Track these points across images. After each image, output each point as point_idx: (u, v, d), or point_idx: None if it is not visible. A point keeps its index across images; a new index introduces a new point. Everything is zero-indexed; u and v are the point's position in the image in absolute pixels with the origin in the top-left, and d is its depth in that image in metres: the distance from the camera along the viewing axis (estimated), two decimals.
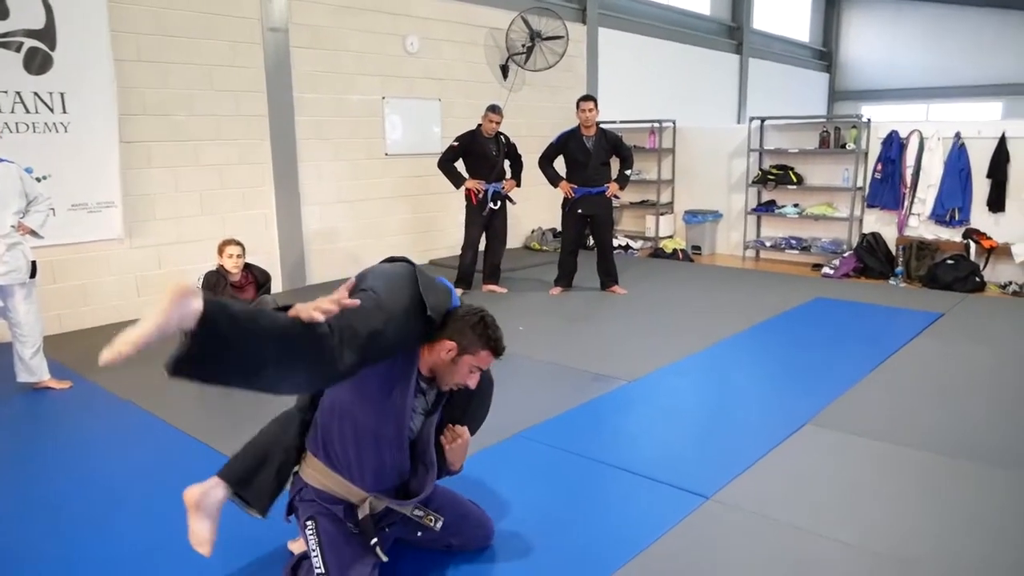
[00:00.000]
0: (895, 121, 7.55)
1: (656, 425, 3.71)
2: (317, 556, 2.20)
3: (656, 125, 8.82)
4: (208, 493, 2.28)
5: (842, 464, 3.21)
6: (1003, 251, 6.75)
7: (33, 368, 4.16)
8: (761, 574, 2.42)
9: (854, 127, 7.58)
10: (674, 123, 8.86)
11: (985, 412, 3.75)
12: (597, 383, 4.23)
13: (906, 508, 2.83)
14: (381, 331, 1.98)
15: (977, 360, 4.58)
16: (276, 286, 5.92)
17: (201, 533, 2.24)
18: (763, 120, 8.27)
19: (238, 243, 4.67)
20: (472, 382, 2.25)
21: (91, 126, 5.43)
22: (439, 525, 2.35)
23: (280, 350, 1.80)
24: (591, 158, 6.30)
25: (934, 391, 4.05)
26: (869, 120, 7.53)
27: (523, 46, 8.31)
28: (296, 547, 2.49)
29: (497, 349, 2.23)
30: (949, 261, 6.72)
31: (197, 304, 1.68)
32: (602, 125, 6.49)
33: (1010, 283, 6.57)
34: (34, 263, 4.04)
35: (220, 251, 4.65)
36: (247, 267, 4.76)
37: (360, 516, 2.25)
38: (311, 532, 2.24)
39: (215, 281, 4.62)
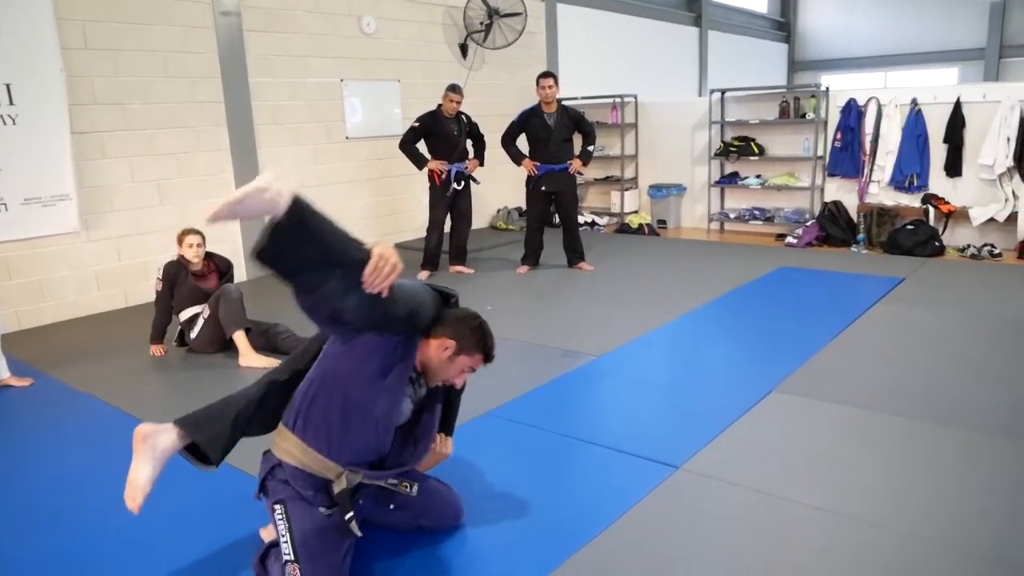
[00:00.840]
0: (853, 89, 7.63)
1: (625, 398, 3.74)
2: (286, 541, 2.18)
3: (618, 100, 8.81)
4: (159, 432, 2.26)
5: (809, 429, 3.26)
6: (961, 215, 6.88)
7: None
8: (735, 540, 2.45)
9: (813, 96, 7.64)
10: (635, 98, 8.86)
11: (947, 374, 3.83)
12: (566, 359, 4.25)
13: (874, 470, 2.88)
14: (422, 302, 2.20)
15: (937, 323, 4.67)
16: (239, 275, 5.83)
17: (138, 478, 2.18)
18: (723, 92, 8.31)
19: (198, 232, 4.59)
20: (460, 381, 2.32)
21: (40, 117, 5.27)
22: (415, 490, 2.37)
23: (349, 263, 1.92)
24: (553, 135, 6.28)
25: (896, 355, 4.13)
26: (827, 89, 7.59)
27: (481, 24, 8.23)
28: (267, 534, 2.47)
29: (490, 355, 2.31)
30: (909, 226, 6.83)
31: (289, 188, 1.86)
32: (563, 102, 6.47)
33: (968, 246, 6.71)
34: None
35: (180, 241, 4.56)
36: (208, 256, 4.68)
37: (336, 491, 2.22)
38: (280, 516, 2.21)
39: (175, 271, 4.54)
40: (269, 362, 4.31)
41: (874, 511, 2.58)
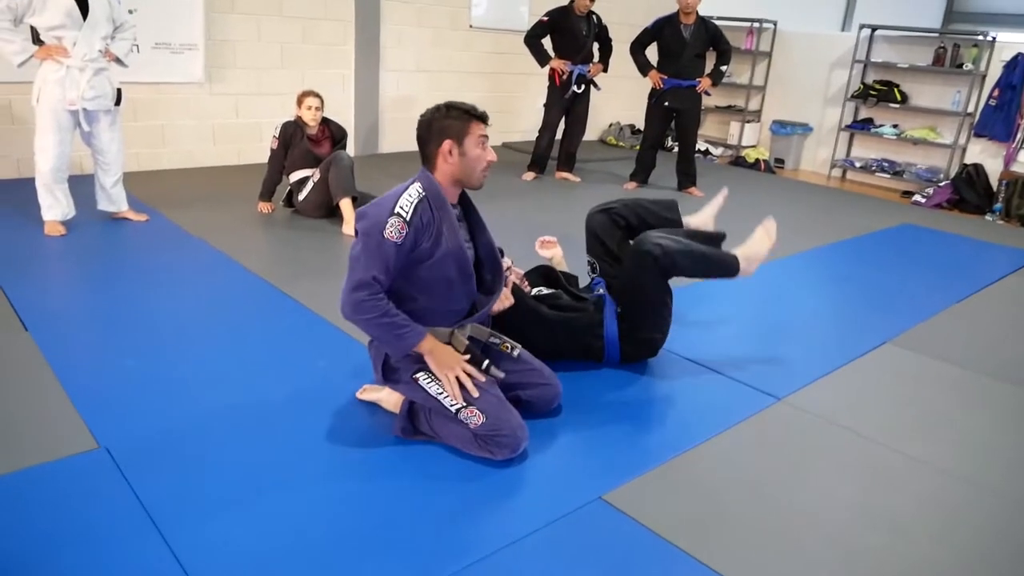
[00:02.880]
0: None
1: (728, 326, 3.59)
2: (448, 396, 2.21)
3: (756, 24, 8.27)
4: None
5: (917, 384, 3.07)
6: None
7: (114, 197, 4.22)
8: (826, 474, 2.34)
9: (975, 46, 6.97)
10: (775, 24, 8.29)
11: None
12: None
13: (979, 433, 2.70)
14: None
15: None
16: (350, 149, 5.85)
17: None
18: (873, 29, 7.67)
19: (317, 95, 4.56)
20: (492, 155, 2.27)
21: None
22: (516, 352, 2.38)
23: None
24: (686, 48, 5.95)
25: (1021, 328, 3.83)
26: (994, 39, 6.90)
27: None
28: (368, 395, 2.50)
29: (477, 114, 2.24)
30: None
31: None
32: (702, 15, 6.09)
33: None
34: (119, 91, 4.02)
35: (299, 102, 4.56)
36: (324, 121, 4.67)
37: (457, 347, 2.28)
38: (428, 379, 2.24)
39: (292, 131, 4.56)
40: None
41: (973, 471, 2.43)
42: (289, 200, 4.76)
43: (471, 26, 7.15)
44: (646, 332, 2.86)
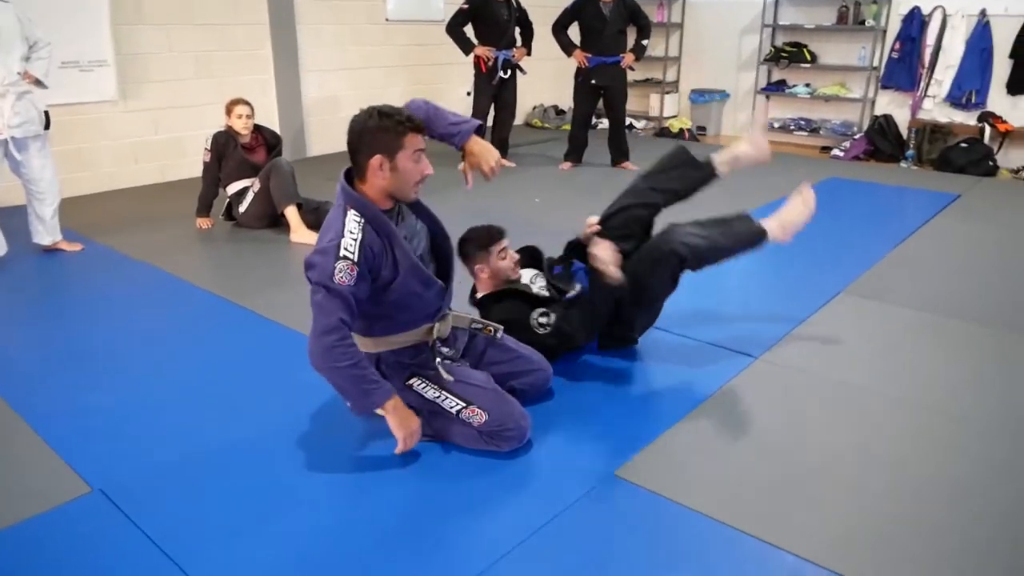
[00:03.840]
0: None
1: (693, 294, 3.66)
2: (446, 397, 2.22)
3: None
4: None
5: (881, 329, 3.22)
6: (1018, 135, 6.65)
7: (51, 228, 4.01)
8: (821, 424, 2.44)
9: (875, 2, 7.27)
10: None
11: (1009, 284, 3.78)
12: None
13: (948, 369, 2.86)
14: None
15: (996, 239, 4.57)
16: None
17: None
18: None
19: (247, 103, 4.43)
20: (428, 168, 2.10)
21: None
22: (500, 335, 2.42)
23: None
24: (607, 25, 6.01)
25: (958, 267, 4.06)
26: None
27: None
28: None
29: (412, 125, 2.04)
30: (963, 145, 6.63)
31: None
32: None
33: (1023, 168, 6.53)
34: (47, 113, 3.81)
35: (228, 111, 4.41)
36: (257, 128, 4.54)
37: (436, 336, 2.27)
38: (422, 384, 2.24)
39: (224, 142, 4.41)
40: None
41: (953, 405, 2.58)
42: (229, 213, 4.61)
43: (387, 20, 7.04)
44: (624, 330, 2.85)
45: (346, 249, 2.00)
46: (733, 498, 2.04)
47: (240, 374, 2.75)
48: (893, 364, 2.88)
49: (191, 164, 4.51)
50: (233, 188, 4.49)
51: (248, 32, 6.05)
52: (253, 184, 4.41)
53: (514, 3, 6.08)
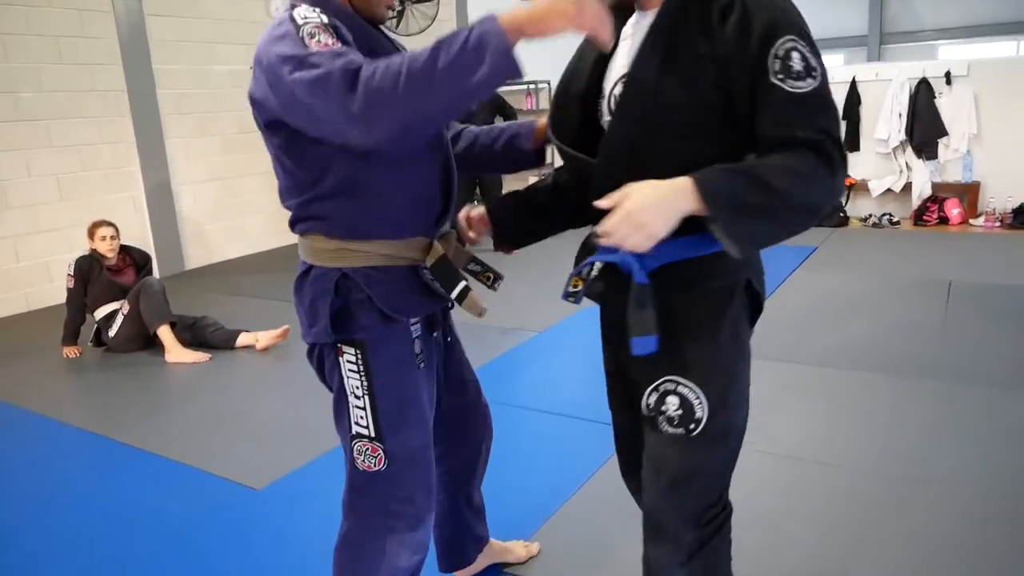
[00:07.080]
0: None
1: (572, 368, 3.76)
2: (364, 398, 1.49)
3: (532, 86, 8.85)
4: None
5: (757, 385, 3.36)
6: (861, 187, 7.27)
7: None
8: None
9: None
10: (549, 83, 8.92)
11: (872, 329, 4.06)
12: (507, 336, 4.25)
13: (818, 418, 3.02)
14: None
15: (855, 285, 4.93)
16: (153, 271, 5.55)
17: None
18: None
19: (110, 224, 4.33)
20: None
21: None
22: (497, 286, 1.83)
23: None
24: (475, 119, 6.25)
25: (822, 316, 4.33)
26: None
27: (393, 10, 8.08)
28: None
29: None
30: None
31: None
32: None
33: (870, 216, 7.10)
34: None
35: (91, 234, 4.30)
36: (124, 249, 4.43)
37: (431, 263, 1.54)
38: (353, 361, 1.49)
39: (88, 267, 4.28)
40: (198, 357, 4.13)
41: (825, 454, 2.71)
42: (98, 339, 4.42)
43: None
44: None
45: (305, 19, 1.33)
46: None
47: (124, 524, 2.60)
48: (763, 419, 3.01)
49: (58, 289, 4.35)
50: (101, 312, 4.33)
51: (113, 150, 5.96)
52: (121, 306, 4.27)
53: None
